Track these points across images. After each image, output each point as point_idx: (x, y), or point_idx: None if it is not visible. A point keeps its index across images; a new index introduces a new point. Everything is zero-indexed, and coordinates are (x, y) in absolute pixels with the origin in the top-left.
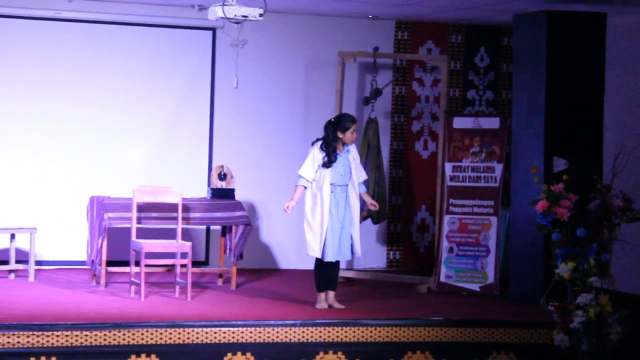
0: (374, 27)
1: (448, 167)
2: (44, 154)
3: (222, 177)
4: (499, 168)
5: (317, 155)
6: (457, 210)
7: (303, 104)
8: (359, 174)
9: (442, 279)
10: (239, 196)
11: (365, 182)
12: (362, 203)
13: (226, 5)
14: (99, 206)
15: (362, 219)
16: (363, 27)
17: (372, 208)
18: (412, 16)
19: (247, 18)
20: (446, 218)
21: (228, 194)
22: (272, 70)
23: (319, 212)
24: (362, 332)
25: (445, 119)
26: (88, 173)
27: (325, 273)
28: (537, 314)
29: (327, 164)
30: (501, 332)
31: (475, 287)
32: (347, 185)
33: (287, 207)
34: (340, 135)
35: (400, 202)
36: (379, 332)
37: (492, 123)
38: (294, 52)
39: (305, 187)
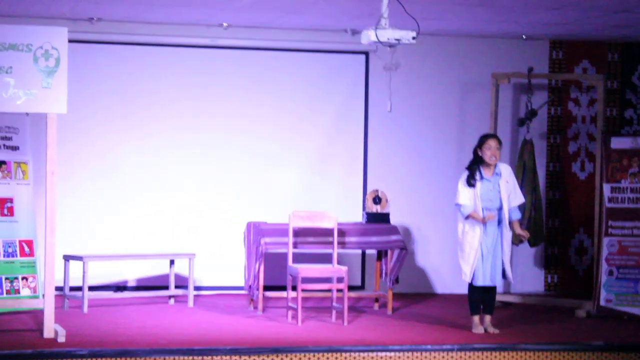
0: (528, 48)
1: (606, 188)
2: (201, 182)
3: (377, 201)
4: None
5: (462, 189)
6: (617, 232)
7: (457, 126)
8: (513, 198)
9: (602, 302)
10: (393, 220)
11: (521, 207)
12: (520, 226)
13: (379, 29)
14: (255, 231)
15: (519, 242)
16: (517, 47)
17: (522, 237)
18: (567, 35)
19: (400, 42)
20: (605, 240)
21: (383, 218)
22: (425, 93)
23: (470, 236)
24: (521, 356)
25: (602, 139)
26: (244, 199)
27: (478, 297)
28: None
29: (470, 184)
30: None
31: (636, 310)
32: (498, 209)
33: (489, 218)
34: (480, 153)
35: (557, 224)
36: (538, 356)
37: None
38: (447, 75)
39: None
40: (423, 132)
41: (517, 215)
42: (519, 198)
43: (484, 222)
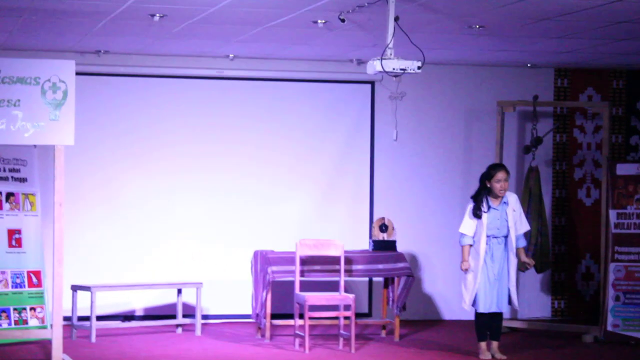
0: (533, 76)
1: (612, 214)
2: (208, 210)
3: (384, 229)
4: None
5: (467, 219)
6: (623, 257)
7: (463, 154)
8: (519, 227)
9: (609, 327)
10: (400, 247)
11: (526, 235)
12: (527, 252)
13: (384, 59)
14: (262, 260)
15: (526, 268)
16: (522, 75)
17: (527, 264)
18: (572, 63)
19: (406, 71)
20: (612, 266)
21: (390, 245)
22: (431, 122)
23: (473, 264)
24: None
25: (608, 166)
26: (251, 228)
27: (483, 323)
28: None
29: (478, 215)
30: None
31: None
32: (505, 237)
33: (465, 269)
34: (489, 185)
35: (564, 250)
36: None
37: None
38: (452, 103)
39: (471, 245)
40: (429, 160)
41: (522, 242)
42: (524, 226)
43: (462, 267)
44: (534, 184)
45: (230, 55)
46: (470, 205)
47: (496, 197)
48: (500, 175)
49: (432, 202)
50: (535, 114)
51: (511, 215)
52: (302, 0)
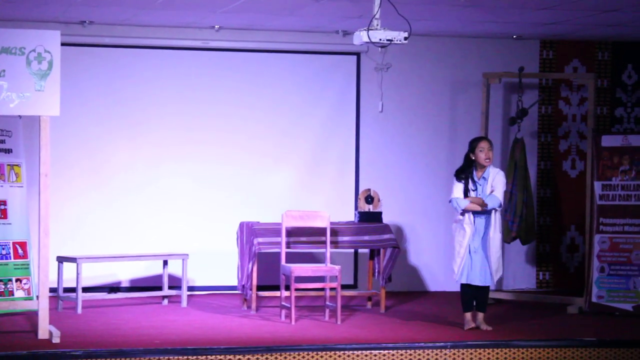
0: (518, 47)
1: (597, 186)
2: (193, 182)
3: (369, 200)
4: None
5: (456, 184)
6: (608, 229)
7: (448, 126)
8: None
9: (594, 299)
10: (386, 219)
11: (494, 200)
12: (512, 224)
13: (371, 30)
14: (248, 231)
15: (511, 239)
16: (508, 47)
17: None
18: (557, 35)
19: (392, 42)
20: (596, 237)
21: (375, 217)
22: (417, 93)
23: (460, 235)
24: (514, 353)
25: (593, 138)
26: (237, 199)
27: (469, 294)
28: None
29: (465, 193)
30: None
31: (628, 307)
32: (488, 212)
33: (474, 202)
34: (473, 157)
35: (549, 222)
36: (531, 353)
37: None
38: (438, 75)
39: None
40: (414, 132)
41: (491, 202)
42: (494, 200)
43: (484, 205)
44: (520, 155)
45: (216, 26)
46: (455, 182)
47: (482, 167)
48: (483, 144)
49: (418, 173)
50: (521, 86)
51: (489, 190)
52: None
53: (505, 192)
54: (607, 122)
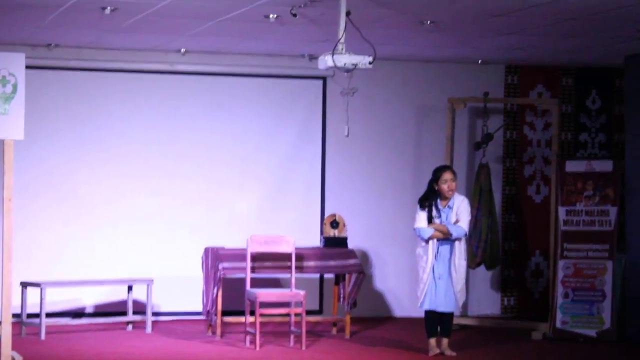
0: (483, 72)
1: (561, 211)
2: (159, 206)
3: (335, 225)
4: (613, 211)
5: (420, 212)
6: (572, 254)
7: (414, 150)
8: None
9: (558, 324)
10: (351, 244)
11: (459, 230)
12: (476, 249)
13: (336, 54)
14: (213, 256)
15: (476, 265)
16: (473, 72)
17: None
18: (522, 60)
19: (357, 66)
20: (561, 263)
21: (341, 242)
22: (382, 118)
23: (423, 261)
24: None
25: (557, 163)
26: (203, 223)
27: (432, 320)
28: None
29: (429, 220)
30: None
31: (592, 332)
32: (452, 239)
33: (439, 229)
34: (437, 187)
35: (514, 247)
36: None
37: (605, 166)
38: (404, 99)
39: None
40: (380, 156)
41: (455, 230)
42: (462, 223)
43: (449, 234)
44: (485, 180)
45: (182, 50)
46: (418, 210)
47: (445, 198)
48: (446, 175)
49: (384, 198)
50: (486, 111)
51: (454, 219)
52: None
53: (470, 218)
54: (572, 147)
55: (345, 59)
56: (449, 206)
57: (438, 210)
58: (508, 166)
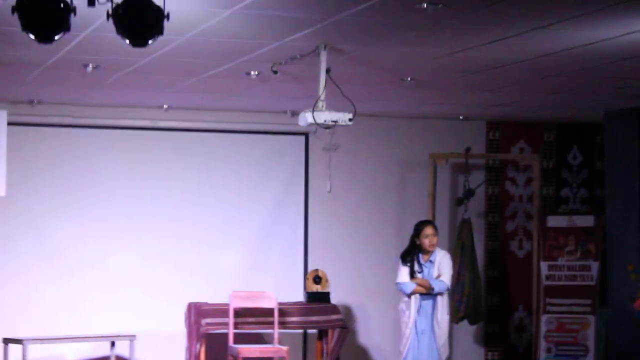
0: (465, 128)
1: (544, 266)
2: (141, 262)
3: (317, 280)
4: (595, 266)
5: (402, 268)
6: (555, 309)
7: (396, 206)
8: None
9: None
10: (335, 299)
11: (441, 285)
12: (459, 303)
13: (316, 111)
14: (196, 312)
15: (459, 319)
16: (454, 128)
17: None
18: (504, 116)
19: (337, 123)
20: (544, 318)
21: (323, 297)
22: (365, 173)
23: (406, 317)
24: None
25: (539, 218)
26: (186, 279)
27: None
28: None
29: (411, 275)
30: None
31: None
32: (435, 294)
33: (421, 284)
34: (418, 242)
35: (497, 302)
36: None
37: (586, 221)
38: (385, 155)
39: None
40: (363, 212)
41: (437, 284)
42: (443, 278)
43: (431, 288)
44: (467, 236)
45: (164, 106)
46: (400, 265)
47: (427, 252)
48: (428, 230)
49: (367, 253)
50: (467, 167)
51: (437, 274)
52: (234, 51)
53: (453, 273)
54: (553, 203)
55: (325, 116)
56: (430, 261)
57: (420, 265)
58: (490, 221)
